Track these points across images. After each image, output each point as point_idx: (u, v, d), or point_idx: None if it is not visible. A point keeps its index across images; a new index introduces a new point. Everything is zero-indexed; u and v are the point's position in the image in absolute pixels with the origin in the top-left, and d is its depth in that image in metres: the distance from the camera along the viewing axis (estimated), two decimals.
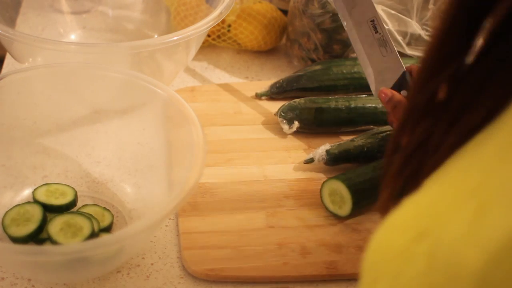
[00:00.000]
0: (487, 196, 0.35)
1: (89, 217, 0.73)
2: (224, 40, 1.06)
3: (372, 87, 0.83)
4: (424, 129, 0.42)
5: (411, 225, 0.39)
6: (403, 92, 0.80)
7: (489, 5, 0.38)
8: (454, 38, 0.41)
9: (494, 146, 0.37)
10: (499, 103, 0.38)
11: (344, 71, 0.96)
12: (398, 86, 0.81)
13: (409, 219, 0.39)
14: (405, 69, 0.81)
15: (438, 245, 0.36)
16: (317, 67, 0.97)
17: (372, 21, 0.81)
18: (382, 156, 0.85)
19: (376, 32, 0.81)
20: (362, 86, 0.96)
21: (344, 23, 0.83)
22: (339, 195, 0.78)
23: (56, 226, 0.71)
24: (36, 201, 0.75)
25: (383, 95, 0.79)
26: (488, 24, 0.39)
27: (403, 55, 0.98)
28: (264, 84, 0.99)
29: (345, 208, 0.78)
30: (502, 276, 0.33)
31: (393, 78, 0.81)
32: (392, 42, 0.82)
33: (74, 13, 1.08)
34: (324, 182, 0.79)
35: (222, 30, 1.05)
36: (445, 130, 0.41)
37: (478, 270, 0.33)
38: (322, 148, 0.85)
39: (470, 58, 0.40)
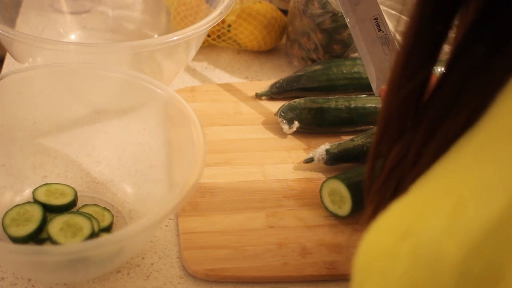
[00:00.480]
0: (464, 192, 0.36)
1: (89, 217, 0.73)
2: (224, 40, 1.06)
3: (373, 85, 0.83)
4: (402, 146, 0.44)
5: (395, 226, 0.40)
6: None
7: (454, 10, 0.39)
8: (421, 47, 0.42)
9: (472, 147, 0.38)
10: (477, 110, 0.38)
11: (344, 71, 0.96)
12: None
13: (394, 221, 0.40)
14: None
15: (420, 242, 0.37)
16: (317, 67, 0.97)
17: (376, 18, 0.81)
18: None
19: (379, 30, 0.81)
20: (362, 86, 0.96)
21: (347, 20, 0.83)
22: (338, 195, 0.78)
23: (56, 226, 0.71)
24: (36, 201, 0.75)
25: (383, 93, 0.79)
26: (455, 32, 0.40)
27: None
28: (264, 84, 0.99)
29: (345, 207, 0.78)
30: (481, 266, 0.34)
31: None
32: (395, 41, 0.82)
33: (74, 13, 1.08)
34: (323, 182, 0.79)
35: (222, 30, 1.05)
36: (422, 143, 0.42)
37: (458, 262, 0.34)
38: (322, 147, 0.85)
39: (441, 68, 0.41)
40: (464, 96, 0.39)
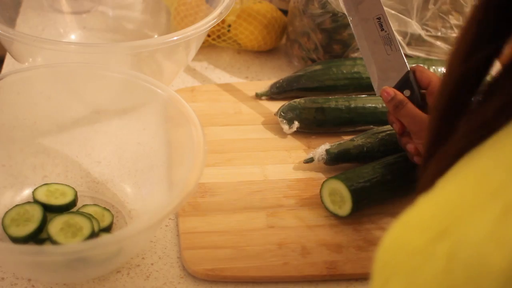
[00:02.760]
0: None
1: (89, 217, 0.73)
2: (224, 40, 1.06)
3: (375, 85, 0.83)
4: (472, 118, 0.41)
5: (429, 224, 0.38)
6: (406, 92, 0.80)
7: None
8: (492, 19, 0.40)
9: None
10: None
11: (344, 71, 0.96)
12: (401, 85, 0.81)
13: (427, 218, 0.39)
14: (409, 69, 0.81)
15: (459, 245, 0.35)
16: (317, 67, 0.97)
17: (379, 18, 0.81)
18: (382, 156, 0.85)
19: (382, 29, 0.81)
20: (362, 86, 0.96)
21: (350, 19, 0.83)
22: (339, 195, 0.78)
23: (56, 226, 0.71)
24: (36, 201, 0.75)
25: (385, 94, 0.79)
26: None
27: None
28: (264, 84, 0.99)
29: (345, 208, 0.78)
30: None
31: (397, 77, 0.81)
32: (398, 41, 0.82)
33: (74, 13, 1.08)
34: (324, 182, 0.79)
35: (222, 30, 1.05)
36: (493, 117, 0.39)
37: (503, 270, 0.33)
38: (322, 147, 0.85)
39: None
40: None
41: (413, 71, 0.81)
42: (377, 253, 0.41)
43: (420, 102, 0.79)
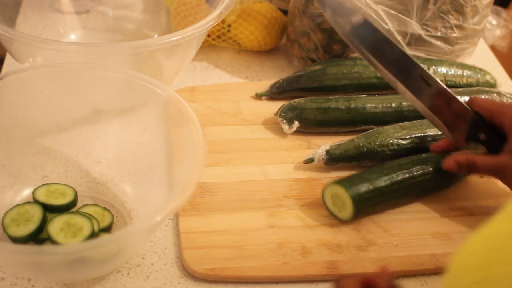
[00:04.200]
0: None
1: (89, 217, 0.73)
2: (224, 40, 1.06)
3: (450, 137, 0.80)
4: None
5: None
6: (481, 136, 0.77)
7: None
8: None
9: None
10: None
11: (344, 71, 0.96)
12: (472, 132, 0.78)
13: None
14: (472, 111, 0.78)
15: None
16: (317, 67, 0.97)
17: (422, 76, 0.79)
18: (381, 156, 0.85)
19: (429, 85, 0.79)
20: (362, 86, 0.96)
21: (396, 86, 0.81)
22: (340, 200, 0.78)
23: (56, 226, 0.71)
24: (36, 201, 0.75)
25: (451, 167, 0.78)
26: None
27: None
28: (264, 84, 0.99)
29: (345, 213, 0.78)
30: None
31: (465, 125, 0.78)
32: (448, 89, 0.79)
33: (74, 13, 1.08)
34: (328, 185, 0.79)
35: (222, 30, 1.05)
36: None
37: None
38: (322, 148, 0.85)
39: None
40: None
41: (473, 110, 0.78)
42: (449, 270, 0.38)
43: (496, 139, 0.76)
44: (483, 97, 0.93)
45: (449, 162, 0.78)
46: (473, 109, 0.78)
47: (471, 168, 0.77)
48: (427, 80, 0.78)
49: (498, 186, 0.85)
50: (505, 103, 0.77)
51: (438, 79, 0.79)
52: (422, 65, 0.79)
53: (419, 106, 0.80)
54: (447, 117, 0.79)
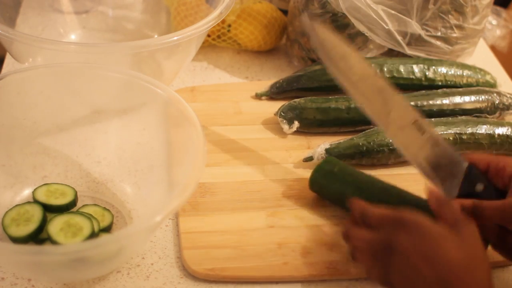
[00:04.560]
0: None
1: (89, 217, 0.73)
2: (224, 40, 1.06)
3: (444, 193, 0.70)
4: None
5: None
6: (479, 186, 0.69)
7: None
8: None
9: None
10: None
11: None
12: (468, 182, 0.70)
13: None
14: (465, 162, 0.70)
15: None
16: (317, 67, 0.97)
17: (415, 122, 0.71)
18: (381, 157, 0.84)
19: (423, 132, 0.71)
20: None
21: (387, 136, 0.77)
22: None
23: (56, 226, 0.71)
24: (36, 201, 0.75)
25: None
26: None
27: (403, 55, 0.98)
28: (264, 84, 0.99)
29: None
30: None
31: (459, 175, 0.70)
32: (442, 140, 0.71)
33: (74, 13, 1.08)
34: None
35: (222, 30, 1.05)
36: None
37: None
38: (321, 146, 0.85)
39: None
40: None
41: (472, 162, 0.70)
42: None
43: (493, 190, 0.69)
44: (483, 97, 0.93)
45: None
46: (469, 161, 0.70)
47: (477, 214, 0.67)
48: (421, 126, 0.71)
49: None
50: (506, 203, 0.67)
51: (432, 128, 0.72)
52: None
53: (408, 154, 0.72)
54: (442, 169, 0.70)
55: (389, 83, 0.72)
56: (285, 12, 1.08)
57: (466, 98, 0.93)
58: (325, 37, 0.72)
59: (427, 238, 0.61)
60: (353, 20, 0.93)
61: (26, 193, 0.79)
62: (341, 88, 0.91)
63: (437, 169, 0.70)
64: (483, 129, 0.88)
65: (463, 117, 0.91)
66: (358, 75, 0.72)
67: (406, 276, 0.61)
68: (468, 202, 0.68)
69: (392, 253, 0.62)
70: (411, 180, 0.85)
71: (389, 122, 0.72)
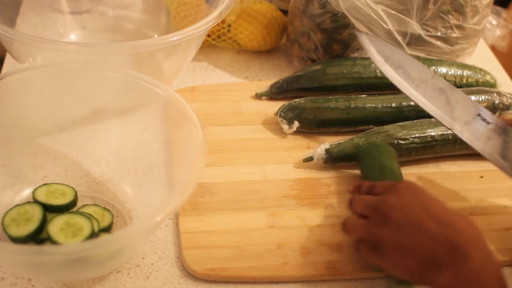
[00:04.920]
0: None
1: (89, 217, 0.73)
2: (224, 40, 1.06)
3: None
4: None
5: None
6: None
7: None
8: None
9: None
10: None
11: (344, 71, 0.96)
12: None
13: None
14: None
15: None
16: (317, 67, 0.97)
17: (479, 114, 0.76)
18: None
19: (488, 123, 0.75)
20: (362, 86, 0.96)
21: (457, 133, 0.77)
22: None
23: (56, 226, 0.71)
24: (36, 201, 0.75)
25: None
26: None
27: None
28: (264, 84, 0.99)
29: None
30: None
31: None
32: (509, 128, 0.74)
33: (74, 13, 1.08)
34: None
35: (222, 30, 1.05)
36: None
37: None
38: (321, 147, 0.85)
39: None
40: None
41: None
42: None
43: None
44: (483, 97, 0.93)
45: None
46: None
47: None
48: (484, 118, 0.75)
49: (498, 187, 0.85)
50: None
51: (495, 116, 0.74)
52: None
53: (479, 147, 0.75)
54: (510, 154, 0.73)
55: (447, 83, 0.77)
56: (285, 12, 1.08)
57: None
58: (382, 48, 0.80)
59: (431, 198, 0.69)
60: (353, 20, 0.93)
61: (26, 193, 0.79)
62: (341, 88, 0.92)
63: (507, 156, 0.74)
64: None
65: None
66: (417, 79, 0.78)
67: (403, 238, 0.66)
68: None
69: (395, 208, 0.67)
70: (410, 180, 0.85)
71: (454, 119, 0.76)
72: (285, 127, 0.90)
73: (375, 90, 0.96)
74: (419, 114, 0.91)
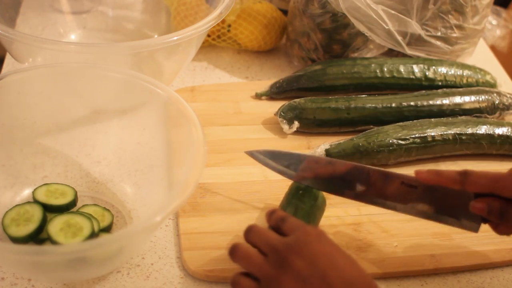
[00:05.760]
0: None
1: (89, 217, 0.73)
2: (224, 40, 1.06)
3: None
4: None
5: None
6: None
7: None
8: None
9: None
10: None
11: (344, 71, 0.96)
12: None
13: None
14: (471, 193, 0.69)
15: None
16: (317, 67, 0.97)
17: (402, 182, 0.72)
18: (381, 156, 0.84)
19: (416, 187, 0.71)
20: (362, 86, 0.96)
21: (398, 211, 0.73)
22: None
23: (56, 226, 0.71)
24: (36, 201, 0.75)
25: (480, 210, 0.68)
26: None
27: (403, 55, 0.98)
28: (264, 84, 0.99)
29: None
30: None
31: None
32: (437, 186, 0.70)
33: (74, 13, 1.08)
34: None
35: (222, 30, 1.05)
36: None
37: None
38: (321, 147, 0.85)
39: None
40: None
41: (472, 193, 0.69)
42: None
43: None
44: (483, 97, 0.93)
45: (479, 205, 0.68)
46: (470, 191, 0.69)
47: (471, 181, 0.68)
48: (409, 184, 0.71)
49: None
50: (501, 174, 0.67)
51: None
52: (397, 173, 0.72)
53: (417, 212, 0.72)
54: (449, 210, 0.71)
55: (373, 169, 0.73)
56: (285, 12, 1.08)
57: (466, 98, 0.93)
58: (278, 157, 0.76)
59: (339, 251, 0.62)
60: (353, 20, 0.93)
61: (26, 193, 0.79)
62: (341, 88, 0.92)
63: (445, 211, 0.71)
64: (483, 129, 0.88)
65: (463, 117, 0.91)
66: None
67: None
68: (496, 203, 0.67)
69: (299, 256, 0.61)
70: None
71: (387, 200, 0.73)
72: (285, 127, 0.90)
73: (375, 90, 0.96)
74: (419, 114, 0.91)
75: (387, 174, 0.72)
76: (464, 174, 0.68)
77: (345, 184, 0.74)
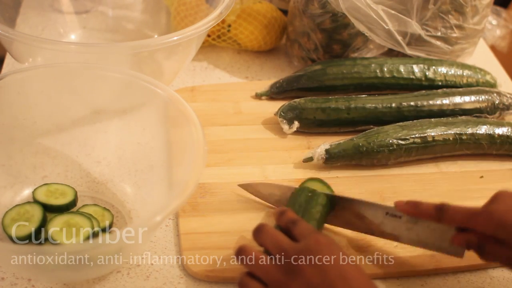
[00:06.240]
0: None
1: (89, 217, 0.73)
2: (224, 40, 1.06)
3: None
4: None
5: None
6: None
7: None
8: None
9: None
10: None
11: (344, 71, 0.96)
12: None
13: None
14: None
15: None
16: (317, 67, 0.97)
17: (387, 213, 0.73)
18: (381, 156, 0.84)
19: (400, 217, 0.72)
20: (362, 86, 0.96)
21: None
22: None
23: (56, 226, 0.71)
24: (36, 201, 0.75)
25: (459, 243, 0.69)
26: None
27: (403, 55, 0.98)
28: (264, 84, 0.99)
29: None
30: None
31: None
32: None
33: (74, 13, 1.08)
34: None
35: (222, 30, 1.05)
36: None
37: None
38: (321, 147, 0.85)
39: None
40: None
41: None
42: None
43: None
44: (483, 97, 0.93)
45: (457, 241, 0.69)
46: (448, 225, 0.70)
47: (447, 216, 0.68)
48: (394, 214, 0.72)
49: (498, 187, 0.85)
50: (476, 210, 0.67)
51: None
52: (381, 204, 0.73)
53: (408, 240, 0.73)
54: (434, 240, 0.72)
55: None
56: (285, 12, 1.08)
57: (466, 98, 0.93)
58: None
59: (348, 260, 0.63)
60: (353, 20, 0.93)
61: (26, 193, 0.79)
62: (341, 88, 0.92)
63: (429, 239, 0.72)
64: (483, 129, 0.88)
65: (463, 117, 0.91)
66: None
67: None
68: (474, 238, 0.68)
69: (309, 264, 0.61)
70: (411, 180, 0.85)
71: (374, 229, 0.74)
72: (285, 127, 0.90)
73: (375, 90, 0.96)
74: (419, 114, 0.91)
75: (371, 205, 0.73)
76: (441, 209, 0.68)
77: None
